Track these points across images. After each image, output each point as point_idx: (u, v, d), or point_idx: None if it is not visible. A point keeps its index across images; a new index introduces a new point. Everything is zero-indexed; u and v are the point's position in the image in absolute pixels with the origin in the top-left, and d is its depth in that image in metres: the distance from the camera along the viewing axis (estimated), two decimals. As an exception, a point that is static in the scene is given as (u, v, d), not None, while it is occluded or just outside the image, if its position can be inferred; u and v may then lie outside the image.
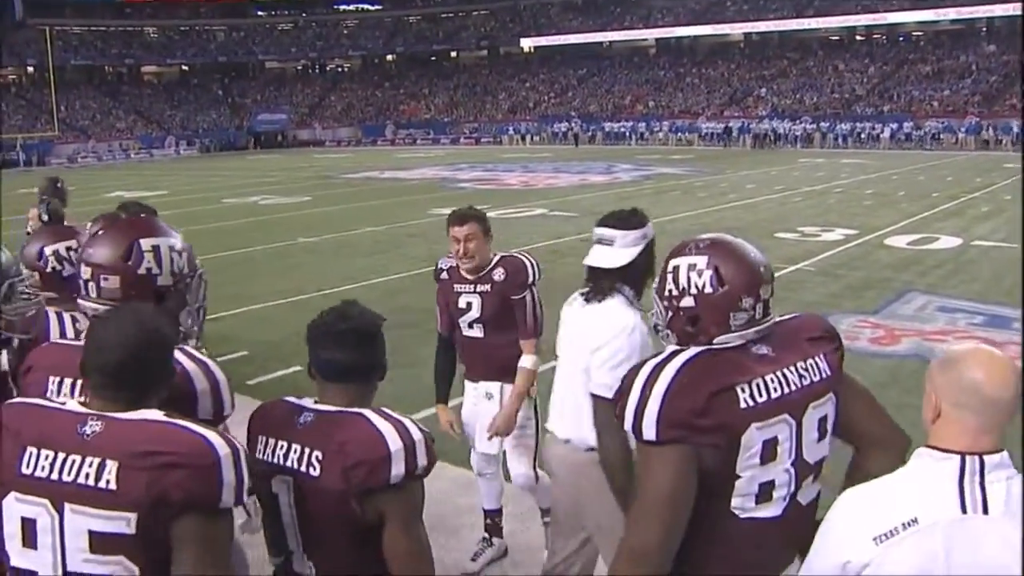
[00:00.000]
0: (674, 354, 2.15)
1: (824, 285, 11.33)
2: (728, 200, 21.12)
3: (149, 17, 73.93)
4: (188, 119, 67.40)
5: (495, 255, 4.24)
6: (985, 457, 1.79)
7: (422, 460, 2.09)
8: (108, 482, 1.79)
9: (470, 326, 4.24)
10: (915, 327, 9.13)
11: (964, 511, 1.76)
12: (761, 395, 2.10)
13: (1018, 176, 22.44)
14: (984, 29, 55.91)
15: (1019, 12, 42.35)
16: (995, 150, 39.58)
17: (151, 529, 1.79)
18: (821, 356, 2.26)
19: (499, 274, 4.16)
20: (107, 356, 1.90)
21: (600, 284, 3.20)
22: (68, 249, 3.39)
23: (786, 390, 2.14)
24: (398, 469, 2.05)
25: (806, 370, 2.21)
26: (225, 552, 1.89)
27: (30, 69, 65.71)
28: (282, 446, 2.16)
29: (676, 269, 2.24)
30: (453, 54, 75.82)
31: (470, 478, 4.76)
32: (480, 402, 4.31)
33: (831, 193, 23.20)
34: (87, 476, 1.80)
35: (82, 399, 2.22)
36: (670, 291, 2.24)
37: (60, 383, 2.33)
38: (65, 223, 6.32)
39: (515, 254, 4.30)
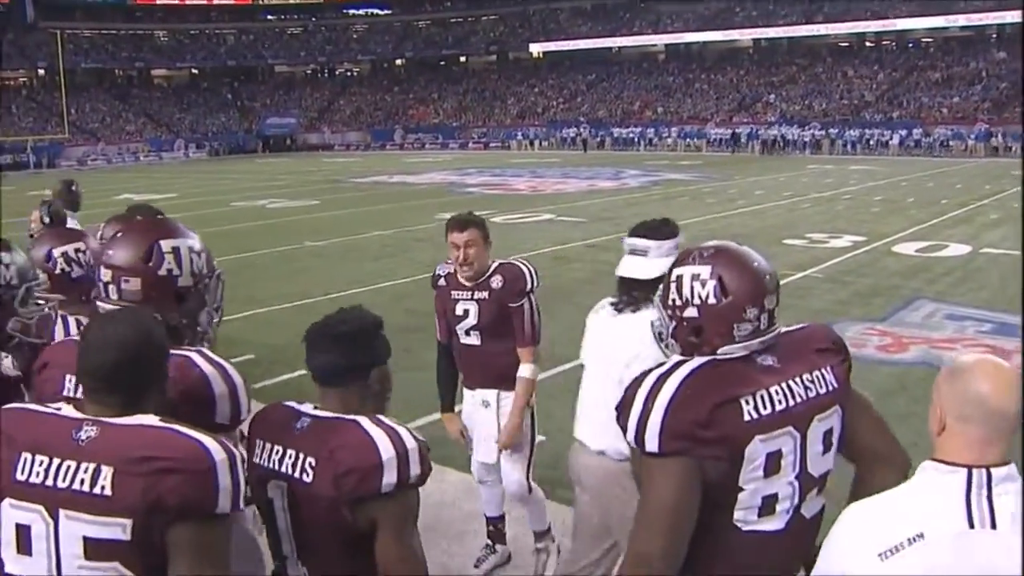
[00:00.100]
0: (677, 365, 2.13)
1: (832, 292, 11.30)
2: (736, 206, 21.09)
3: (159, 20, 74.20)
4: (197, 122, 67.61)
5: (493, 262, 4.20)
6: (992, 470, 1.75)
7: (415, 469, 2.06)
8: (103, 488, 1.77)
9: (467, 333, 4.20)
10: (923, 335, 9.09)
11: (971, 526, 1.71)
12: (765, 407, 2.08)
13: (1028, 183, 22.38)
14: (994, 36, 55.76)
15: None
16: (1005, 157, 39.47)
17: (147, 535, 1.77)
18: (828, 368, 2.24)
19: (497, 281, 4.12)
20: (98, 359, 1.89)
21: (632, 295, 3.19)
22: (77, 251, 3.39)
23: (791, 402, 2.12)
24: (390, 478, 2.02)
25: (812, 382, 2.18)
26: (223, 557, 1.87)
27: (41, 72, 65.98)
28: (278, 451, 2.15)
29: (680, 279, 2.21)
30: (462, 59, 75.92)
31: (474, 483, 4.75)
32: (477, 410, 4.28)
33: (839, 200, 23.16)
34: (82, 482, 1.79)
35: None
36: (673, 301, 2.22)
37: (77, 381, 2.34)
38: (68, 225, 6.34)
39: (513, 261, 4.25)
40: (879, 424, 2.37)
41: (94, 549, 1.78)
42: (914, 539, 1.71)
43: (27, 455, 1.84)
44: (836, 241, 15.57)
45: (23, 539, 1.83)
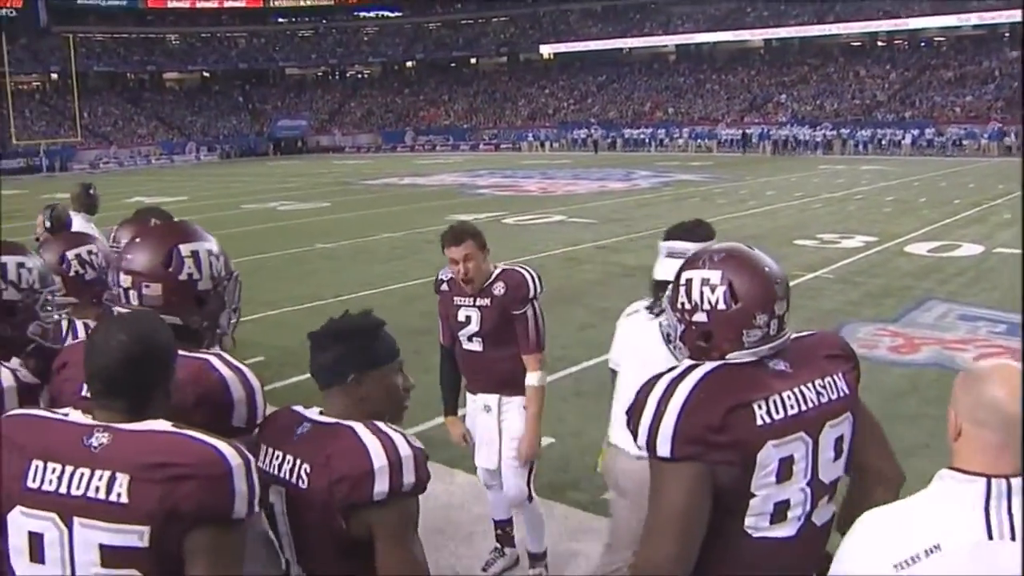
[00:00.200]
0: (690, 369, 2.11)
1: (843, 292, 11.25)
2: (748, 207, 21.02)
3: (171, 24, 74.49)
4: (209, 125, 67.86)
5: (495, 267, 4.14)
6: (1012, 480, 1.69)
7: (409, 477, 2.02)
8: (119, 495, 1.76)
9: (469, 339, 4.16)
10: (935, 335, 9.04)
11: (990, 537, 1.67)
12: (778, 412, 2.05)
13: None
14: (1007, 34, 55.36)
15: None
16: (1018, 156, 39.15)
17: (164, 542, 1.77)
18: (839, 374, 2.21)
19: (499, 288, 4.06)
20: (101, 362, 1.88)
21: None
22: (89, 253, 3.39)
23: (803, 407, 2.10)
24: (381, 486, 1.99)
25: (824, 388, 2.16)
26: (238, 561, 1.86)
27: (54, 76, 66.32)
28: (278, 456, 2.15)
29: (689, 282, 2.19)
30: (473, 60, 75.99)
31: (482, 486, 4.74)
32: (479, 414, 4.25)
33: (851, 200, 23.08)
34: (97, 489, 1.78)
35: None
36: (683, 304, 2.19)
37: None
38: (85, 228, 6.36)
39: (516, 267, 4.18)
40: (883, 442, 2.36)
41: (110, 556, 1.78)
42: (931, 550, 1.67)
43: (38, 463, 1.83)
44: (847, 241, 15.51)
45: (36, 547, 1.82)
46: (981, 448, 1.73)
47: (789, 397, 2.08)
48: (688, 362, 2.15)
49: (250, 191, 31.03)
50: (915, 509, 1.76)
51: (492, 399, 4.19)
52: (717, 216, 19.12)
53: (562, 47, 70.53)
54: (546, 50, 71.81)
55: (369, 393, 2.19)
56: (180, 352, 2.04)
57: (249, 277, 11.05)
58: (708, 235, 3.30)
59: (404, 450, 2.03)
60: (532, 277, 4.10)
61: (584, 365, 8.19)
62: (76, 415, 1.91)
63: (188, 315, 2.32)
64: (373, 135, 66.79)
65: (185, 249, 2.35)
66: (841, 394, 2.19)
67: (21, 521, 1.84)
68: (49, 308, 2.70)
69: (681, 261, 3.08)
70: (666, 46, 68.29)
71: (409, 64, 77.31)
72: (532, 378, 4.09)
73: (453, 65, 76.01)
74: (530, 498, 4.24)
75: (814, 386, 2.14)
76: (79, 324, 3.07)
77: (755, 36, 64.29)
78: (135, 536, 1.76)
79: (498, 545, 4.58)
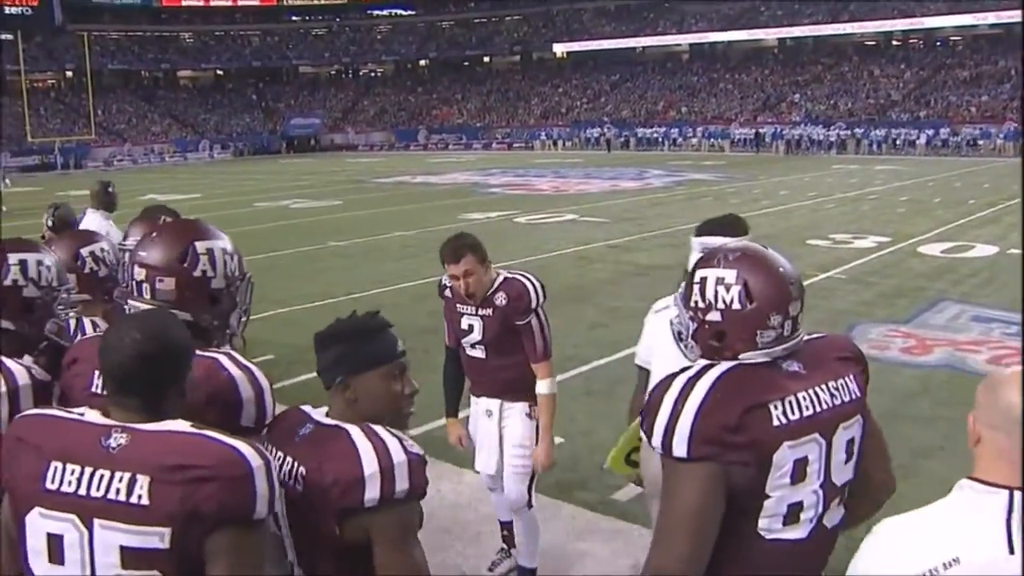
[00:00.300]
0: (706, 369, 2.09)
1: (855, 293, 11.19)
2: (761, 206, 20.92)
3: (185, 22, 74.83)
4: (222, 123, 68.13)
5: (498, 275, 4.05)
6: None
7: (402, 484, 1.97)
8: (140, 497, 1.75)
9: (472, 347, 4.12)
10: (948, 337, 8.98)
11: (1011, 551, 1.62)
12: (793, 413, 2.04)
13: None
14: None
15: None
16: (1033, 157, 39.06)
17: (185, 543, 1.76)
18: (851, 376, 2.20)
19: (501, 299, 3.98)
20: (115, 359, 1.87)
21: None
22: (102, 250, 3.41)
23: (818, 409, 2.08)
24: (372, 492, 1.96)
25: (837, 389, 2.14)
26: (259, 561, 1.86)
27: (68, 74, 66.77)
28: (279, 457, 2.13)
29: (704, 281, 2.16)
30: (486, 59, 76.04)
31: (489, 486, 4.74)
32: (480, 418, 4.22)
33: (865, 200, 22.99)
34: (117, 491, 1.77)
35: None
36: (696, 303, 2.17)
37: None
38: (106, 225, 6.39)
39: (518, 276, 4.05)
40: (883, 451, 2.35)
41: (131, 558, 1.77)
42: (950, 563, 1.62)
43: (57, 464, 1.82)
44: (860, 242, 15.43)
45: (55, 548, 1.81)
46: (998, 455, 1.69)
47: (804, 398, 2.07)
48: (703, 362, 2.14)
49: (263, 189, 31.12)
50: (934, 519, 1.72)
51: (494, 404, 4.15)
52: (730, 216, 19.07)
53: (575, 46, 70.50)
54: (559, 49, 71.80)
55: (359, 396, 2.16)
56: None
57: (261, 275, 11.06)
58: (744, 230, 3.25)
59: (397, 456, 1.99)
60: (534, 286, 4.01)
61: (594, 364, 8.18)
62: (92, 415, 1.89)
63: (200, 312, 2.33)
64: (386, 133, 66.94)
65: (201, 246, 2.36)
66: (853, 396, 2.18)
67: (39, 522, 1.83)
68: (64, 305, 2.72)
69: None
70: (680, 45, 68.20)
71: (422, 63, 77.42)
72: (542, 386, 4.04)
73: (466, 64, 76.07)
74: (529, 504, 4.19)
75: (828, 388, 2.13)
76: (86, 321, 3.09)
77: (769, 35, 64.15)
78: (156, 538, 1.75)
79: (504, 546, 4.57)
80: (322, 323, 2.26)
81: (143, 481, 1.76)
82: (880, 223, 17.95)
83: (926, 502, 5.18)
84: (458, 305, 4.11)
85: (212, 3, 74.96)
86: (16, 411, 2.31)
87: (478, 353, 4.12)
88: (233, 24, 76.21)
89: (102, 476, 1.78)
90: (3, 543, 1.95)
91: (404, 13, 79.22)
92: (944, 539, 1.65)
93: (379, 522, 1.98)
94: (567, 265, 13.76)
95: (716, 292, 2.14)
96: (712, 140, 51.90)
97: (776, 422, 2.01)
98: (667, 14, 69.04)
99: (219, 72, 75.19)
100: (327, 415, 2.18)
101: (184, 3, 74.05)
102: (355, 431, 2.05)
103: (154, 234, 2.43)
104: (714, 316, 2.14)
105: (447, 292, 4.21)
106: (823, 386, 2.12)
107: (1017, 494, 1.66)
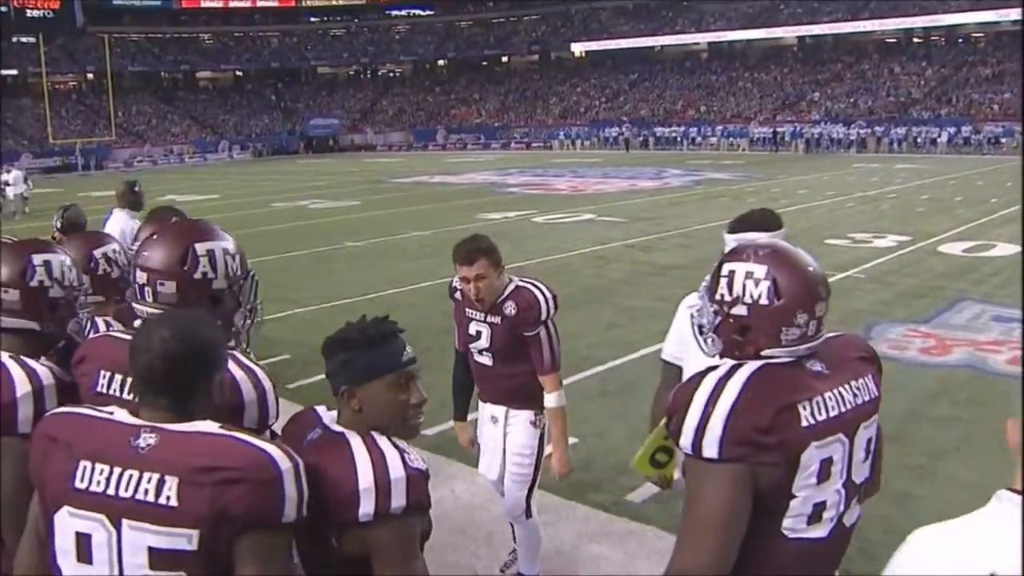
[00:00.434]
0: (735, 368, 2.08)
1: (874, 293, 11.09)
2: (779, 205, 20.55)
3: (204, 24, 75.25)
4: (241, 124, 68.46)
5: (510, 282, 3.98)
6: None
7: (398, 501, 1.93)
8: (169, 498, 1.74)
9: (480, 353, 4.07)
10: (968, 337, 8.89)
11: None
12: (821, 413, 2.04)
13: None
14: (1046, 30, 54.71)
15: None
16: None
17: (213, 545, 1.75)
18: (869, 376, 2.21)
19: (510, 308, 3.90)
20: (144, 359, 1.87)
21: None
22: (115, 252, 3.42)
23: (842, 409, 2.08)
24: (366, 508, 1.93)
25: (858, 389, 2.15)
26: (287, 564, 1.85)
27: (89, 75, 67.28)
28: None
29: (732, 274, 2.16)
30: (504, 59, 76.04)
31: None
32: (486, 423, 4.18)
33: (884, 198, 22.84)
34: (146, 492, 1.76)
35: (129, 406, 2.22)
36: (722, 296, 2.17)
37: (110, 378, 2.33)
38: (132, 224, 6.41)
39: (529, 286, 3.96)
40: (881, 455, 2.36)
41: (159, 559, 1.76)
42: None
43: (86, 463, 1.82)
44: (880, 241, 15.32)
45: (83, 548, 1.81)
46: None
47: (830, 398, 2.07)
48: (730, 361, 2.12)
49: (281, 189, 31.23)
50: (970, 531, 1.67)
51: (499, 411, 4.11)
52: (748, 215, 18.98)
53: (594, 45, 70.41)
54: (577, 48, 71.71)
55: (364, 406, 2.12)
56: None
57: (277, 275, 11.16)
58: (779, 224, 3.21)
59: (396, 472, 1.95)
60: (545, 298, 3.92)
61: (610, 364, 8.14)
62: (121, 414, 1.89)
63: None
64: (404, 133, 67.06)
65: (201, 248, 2.34)
66: (872, 396, 2.19)
67: (68, 521, 1.82)
68: (82, 306, 2.73)
69: None
70: (698, 44, 67.97)
71: (441, 62, 77.50)
72: (550, 399, 3.99)
73: (484, 63, 76.10)
74: (528, 515, 4.13)
75: (850, 387, 2.13)
76: (100, 321, 3.09)
77: (788, 33, 63.81)
78: (184, 539, 1.74)
79: (515, 546, 4.54)
80: (338, 323, 2.23)
81: (172, 482, 1.75)
82: (900, 222, 17.81)
83: (942, 503, 5.15)
84: (467, 309, 4.06)
85: (231, 5, 75.36)
86: (41, 410, 2.32)
87: (485, 360, 4.07)
88: (252, 25, 76.59)
89: (131, 476, 1.78)
90: (33, 541, 1.95)
91: (422, 13, 79.38)
92: (979, 552, 1.60)
93: (376, 537, 1.95)
94: (584, 265, 13.73)
95: (744, 286, 2.13)
96: (731, 139, 51.72)
97: (805, 422, 2.01)
98: (686, 13, 68.84)
99: (238, 73, 75.55)
100: (337, 420, 2.16)
101: (203, 5, 74.48)
102: (356, 442, 2.02)
103: (155, 236, 2.42)
104: (740, 310, 2.14)
105: (457, 295, 4.16)
106: (846, 386, 2.12)
107: None
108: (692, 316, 2.32)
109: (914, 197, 22.95)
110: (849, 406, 2.10)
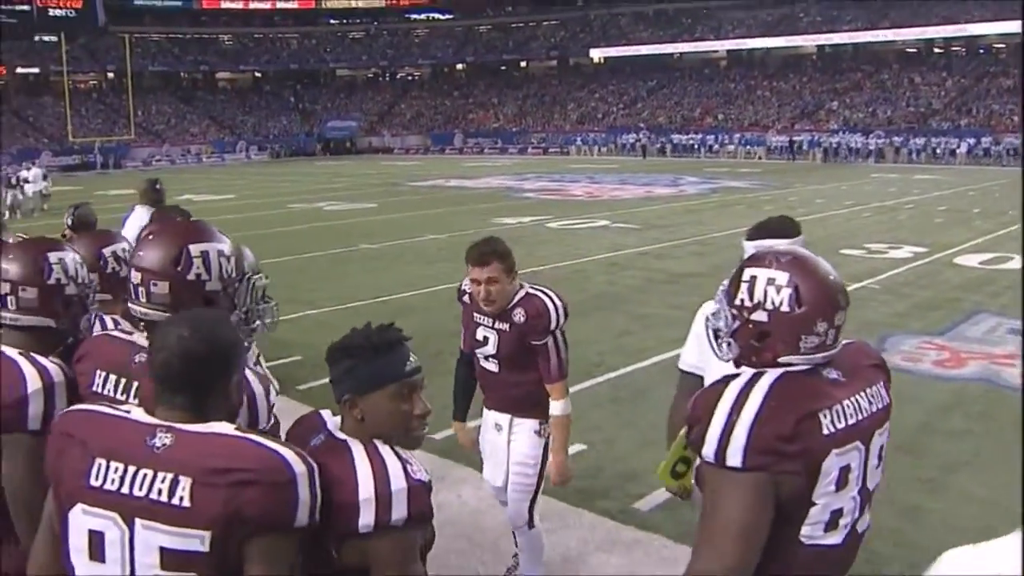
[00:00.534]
0: (756, 377, 2.08)
1: (888, 304, 11.02)
2: (796, 214, 20.07)
3: (224, 25, 75.62)
4: (260, 125, 68.71)
5: (520, 287, 3.93)
6: None
7: (399, 512, 1.90)
8: (182, 499, 1.74)
9: (486, 359, 4.04)
10: (983, 350, 8.82)
11: None
12: (840, 421, 2.04)
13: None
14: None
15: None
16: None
17: (225, 547, 1.74)
18: (881, 383, 2.22)
19: (519, 315, 3.85)
20: (162, 357, 1.87)
21: None
22: (123, 250, 3.43)
23: (860, 416, 2.10)
24: (366, 519, 1.89)
25: (873, 397, 2.16)
26: (295, 568, 1.84)
27: (110, 75, 67.67)
28: None
29: (753, 279, 2.16)
30: (523, 64, 76.08)
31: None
32: (490, 431, 4.14)
33: (902, 209, 22.72)
34: (159, 492, 1.75)
35: (137, 402, 2.21)
36: (742, 301, 2.17)
37: (105, 378, 2.34)
38: (140, 223, 6.44)
39: (540, 294, 3.91)
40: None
41: (171, 559, 1.76)
42: None
43: (101, 461, 1.82)
44: (896, 251, 15.24)
45: (96, 546, 1.81)
46: None
47: (848, 406, 2.08)
48: (749, 370, 2.13)
49: (297, 191, 31.31)
50: (1002, 555, 1.65)
51: (504, 418, 4.07)
52: (764, 223, 18.89)
53: (612, 51, 70.38)
54: (596, 54, 71.71)
55: (366, 415, 2.08)
56: None
57: (292, 276, 11.20)
58: (797, 231, 3.21)
59: (397, 483, 1.92)
60: (555, 307, 3.87)
61: (621, 371, 8.12)
62: (138, 413, 1.89)
63: None
64: (422, 137, 67.17)
65: (195, 249, 2.34)
66: (884, 403, 2.20)
67: (82, 519, 1.82)
68: (93, 303, 2.76)
69: None
70: (717, 52, 67.81)
71: (459, 66, 77.60)
72: (556, 407, 3.95)
73: (503, 68, 76.19)
74: (531, 524, 4.09)
75: (866, 395, 2.14)
76: (108, 319, 3.11)
77: (808, 42, 63.64)
78: (196, 540, 1.74)
79: (517, 551, 4.53)
80: (350, 325, 2.20)
81: (185, 483, 1.75)
82: (917, 233, 17.71)
83: (952, 517, 5.10)
84: (475, 314, 4.02)
85: (251, 6, 75.73)
86: (51, 407, 2.36)
87: (491, 366, 4.04)
88: (272, 27, 76.90)
89: (145, 475, 1.78)
90: (47, 538, 1.95)
91: (442, 17, 79.52)
92: (1013, 572, 1.58)
93: (375, 548, 1.91)
94: (598, 271, 13.70)
95: (766, 292, 2.13)
96: (748, 147, 51.59)
97: (826, 431, 2.01)
98: (705, 20, 68.72)
99: (257, 74, 75.84)
100: (340, 427, 2.13)
101: (224, 6, 74.89)
102: (358, 451, 1.99)
103: (150, 237, 2.42)
104: (760, 316, 2.13)
105: (465, 298, 4.13)
106: (862, 393, 2.13)
107: None
108: (707, 320, 2.32)
109: (932, 208, 22.82)
110: (865, 413, 2.11)
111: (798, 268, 2.13)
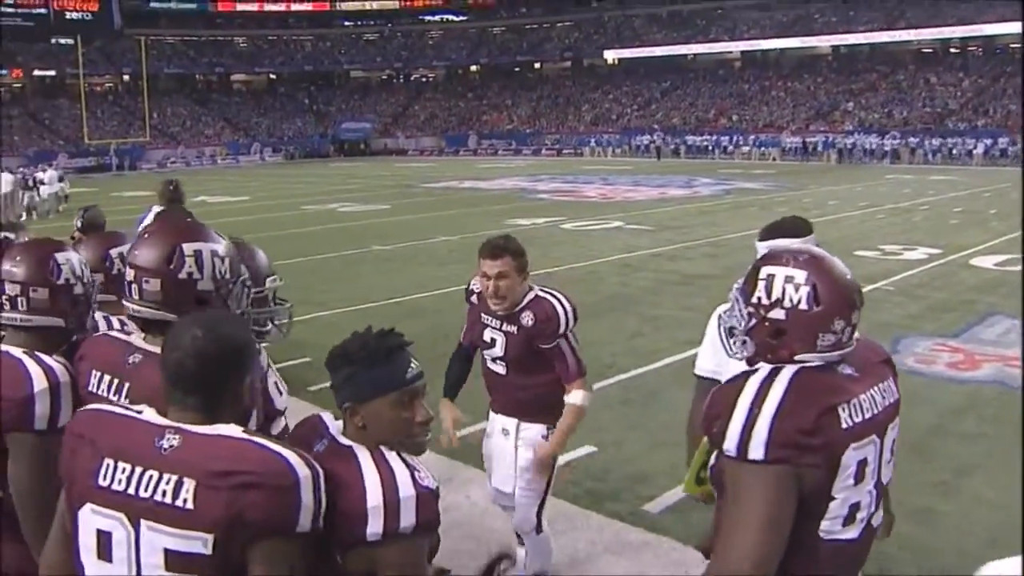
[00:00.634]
0: (775, 371, 2.09)
1: (902, 306, 10.96)
2: (810, 216, 19.81)
3: (239, 27, 75.90)
4: (274, 126, 68.93)
5: (530, 290, 3.88)
6: None
7: (407, 520, 1.88)
8: (185, 501, 1.75)
9: (493, 361, 3.99)
10: (997, 352, 8.76)
11: None
12: (857, 415, 2.07)
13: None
14: (1086, 43, 53.90)
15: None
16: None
17: (227, 550, 1.74)
18: (891, 379, 2.26)
19: (528, 318, 3.80)
20: (173, 356, 1.87)
21: None
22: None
23: (875, 411, 2.13)
24: (375, 527, 1.87)
25: (885, 392, 2.19)
26: (298, 572, 1.83)
27: (126, 77, 68.00)
28: None
29: (771, 277, 2.17)
30: (537, 65, 76.00)
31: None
32: (496, 435, 4.09)
33: (917, 210, 22.61)
34: (164, 493, 1.76)
35: (128, 400, 2.22)
36: (759, 299, 2.18)
37: (100, 378, 2.36)
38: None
39: (550, 297, 3.86)
40: None
41: (175, 561, 1.76)
42: None
43: (110, 461, 1.83)
44: (910, 253, 15.16)
45: (104, 545, 1.82)
46: None
47: (864, 400, 2.11)
48: (767, 366, 2.14)
49: (311, 192, 31.39)
50: None
51: (511, 423, 4.01)
52: (777, 225, 18.82)
53: (626, 52, 70.27)
54: (610, 55, 71.60)
55: (368, 423, 2.05)
56: None
57: (304, 277, 11.22)
58: (809, 229, 3.24)
59: (406, 491, 1.90)
60: (564, 311, 3.82)
61: (632, 373, 8.10)
62: (150, 413, 1.89)
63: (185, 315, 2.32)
64: (436, 138, 67.25)
65: (189, 248, 2.34)
66: (895, 398, 2.24)
67: (91, 518, 1.83)
68: (96, 303, 2.78)
69: None
70: (731, 53, 67.61)
71: (473, 68, 77.64)
72: (575, 396, 3.88)
73: (517, 70, 76.17)
74: (539, 530, 4.05)
75: (879, 390, 2.18)
76: (115, 320, 3.12)
77: (823, 43, 63.37)
78: (199, 543, 1.74)
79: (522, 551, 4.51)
80: (361, 327, 2.17)
81: (189, 485, 1.75)
82: (932, 234, 17.62)
83: (964, 521, 5.07)
84: (483, 315, 3.98)
85: (266, 8, 76.00)
86: (57, 407, 2.37)
87: (499, 368, 3.99)
88: (286, 29, 77.12)
89: (151, 476, 1.78)
90: (59, 537, 1.96)
91: (455, 19, 79.57)
92: None
93: (383, 557, 1.89)
94: (610, 272, 13.68)
95: (784, 290, 2.15)
96: (763, 148, 51.43)
97: (844, 424, 2.03)
98: (719, 21, 68.54)
99: (272, 76, 76.06)
100: (342, 432, 2.11)
101: (238, 8, 75.21)
102: (365, 458, 1.97)
103: (146, 236, 2.43)
104: (778, 314, 2.15)
105: (473, 298, 4.10)
106: (875, 388, 2.17)
107: None
108: (720, 318, 2.33)
109: (947, 209, 22.70)
110: (880, 408, 2.14)
111: (815, 266, 2.15)
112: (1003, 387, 7.64)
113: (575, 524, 4.98)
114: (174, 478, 1.76)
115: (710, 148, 53.43)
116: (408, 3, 78.64)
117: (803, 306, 2.11)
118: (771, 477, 1.99)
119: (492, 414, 4.15)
